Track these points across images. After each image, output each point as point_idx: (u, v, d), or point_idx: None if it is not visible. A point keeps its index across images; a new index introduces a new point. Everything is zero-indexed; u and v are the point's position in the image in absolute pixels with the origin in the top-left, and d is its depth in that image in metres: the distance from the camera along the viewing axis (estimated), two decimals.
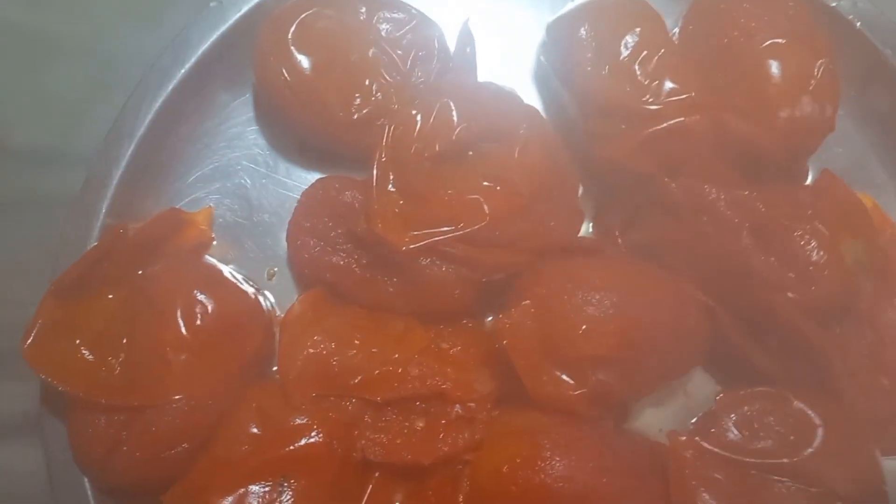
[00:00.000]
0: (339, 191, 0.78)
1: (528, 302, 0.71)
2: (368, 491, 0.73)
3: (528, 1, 0.88)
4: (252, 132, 0.86)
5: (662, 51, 0.76)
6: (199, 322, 0.72)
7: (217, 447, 0.71)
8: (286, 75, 0.78)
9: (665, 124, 0.74)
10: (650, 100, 0.75)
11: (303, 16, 0.79)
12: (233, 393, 0.73)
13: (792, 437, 0.69)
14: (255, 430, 0.71)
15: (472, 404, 0.73)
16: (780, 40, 0.75)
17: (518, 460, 0.68)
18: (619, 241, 0.80)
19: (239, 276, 0.79)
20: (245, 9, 0.84)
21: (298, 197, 0.80)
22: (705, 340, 0.74)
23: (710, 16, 0.79)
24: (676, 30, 0.82)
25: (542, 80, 0.86)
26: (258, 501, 0.68)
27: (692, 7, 0.81)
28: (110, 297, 0.76)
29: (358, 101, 0.78)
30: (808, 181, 0.83)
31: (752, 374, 0.74)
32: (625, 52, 0.76)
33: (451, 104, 0.75)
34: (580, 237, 0.81)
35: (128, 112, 0.81)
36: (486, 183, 0.75)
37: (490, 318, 0.80)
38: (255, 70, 0.81)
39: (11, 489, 0.80)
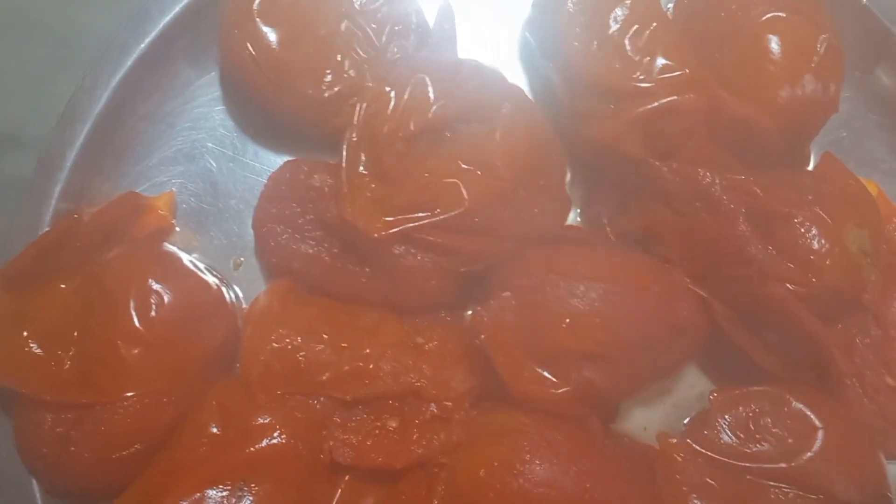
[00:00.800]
0: (307, 174, 0.76)
1: (508, 293, 0.70)
2: (337, 495, 0.71)
3: None
4: (218, 112, 0.83)
5: (655, 24, 0.74)
6: (153, 314, 0.69)
7: (174, 448, 0.69)
8: (251, 49, 0.76)
9: (657, 103, 0.72)
10: (641, 77, 0.73)
11: None
12: (192, 390, 0.71)
13: (791, 440, 0.67)
14: (214, 430, 0.69)
15: (449, 403, 0.71)
16: (780, 14, 0.74)
17: (496, 463, 0.66)
18: (608, 229, 0.79)
19: (201, 266, 0.77)
20: None
21: None
22: (698, 335, 0.73)
23: None
24: (671, 4, 0.81)
25: (528, 60, 0.85)
26: None
27: None
28: (62, 286, 0.74)
29: (329, 77, 0.76)
30: (811, 167, 0.82)
31: (748, 372, 0.73)
32: (614, 27, 0.74)
33: (427, 80, 0.73)
34: (567, 226, 0.80)
35: (83, 90, 0.78)
36: (465, 166, 0.73)
37: (470, 312, 0.78)
38: (219, 44, 0.79)
39: None
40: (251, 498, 0.66)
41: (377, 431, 0.71)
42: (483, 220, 0.72)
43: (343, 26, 0.77)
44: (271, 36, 0.76)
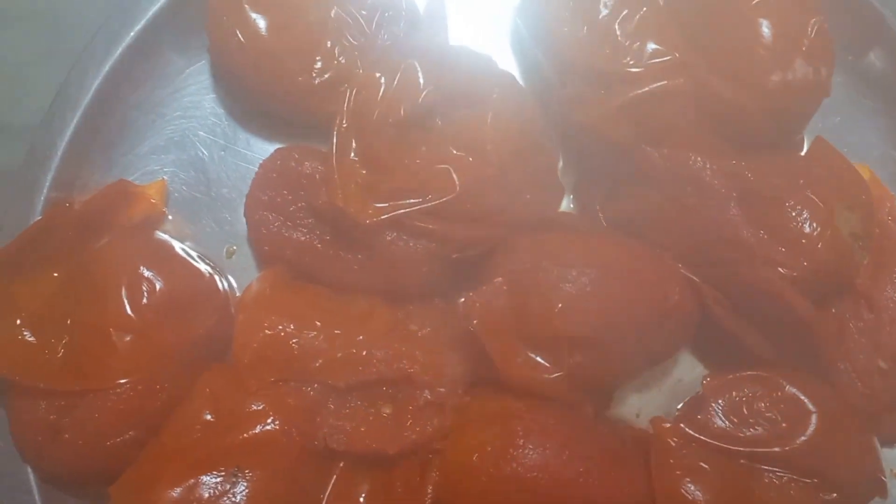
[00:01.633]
0: (298, 161, 0.76)
1: (500, 279, 0.70)
2: (331, 482, 0.71)
3: None
4: (209, 100, 0.82)
5: (644, 9, 0.74)
6: (145, 301, 0.69)
7: (167, 435, 0.69)
8: (240, 36, 0.75)
9: (647, 88, 0.72)
10: (631, 62, 0.73)
11: None
12: (185, 377, 0.71)
13: (784, 425, 0.67)
14: (208, 417, 0.69)
15: (442, 389, 0.71)
16: None
17: (489, 449, 0.66)
18: (600, 214, 0.78)
19: (193, 254, 0.77)
20: None
21: None
22: (691, 320, 0.72)
23: None
24: None
25: (519, 46, 0.84)
26: (210, 493, 0.65)
27: None
28: (55, 274, 0.74)
29: (319, 64, 0.76)
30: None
31: (741, 357, 0.72)
32: (604, 11, 0.74)
33: (417, 65, 0.73)
34: (560, 212, 0.79)
35: (73, 78, 0.78)
36: (456, 152, 0.73)
37: (462, 298, 0.76)
38: (208, 31, 0.78)
39: None
40: (245, 484, 0.66)
41: (371, 418, 0.70)
42: (474, 206, 0.72)
43: (333, 13, 0.76)
44: (260, 23, 0.75)
